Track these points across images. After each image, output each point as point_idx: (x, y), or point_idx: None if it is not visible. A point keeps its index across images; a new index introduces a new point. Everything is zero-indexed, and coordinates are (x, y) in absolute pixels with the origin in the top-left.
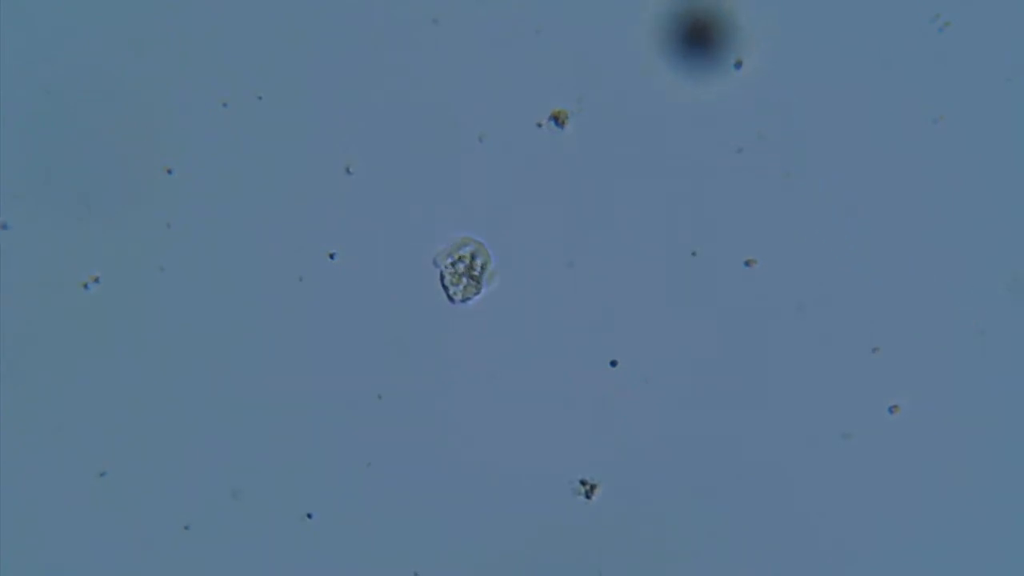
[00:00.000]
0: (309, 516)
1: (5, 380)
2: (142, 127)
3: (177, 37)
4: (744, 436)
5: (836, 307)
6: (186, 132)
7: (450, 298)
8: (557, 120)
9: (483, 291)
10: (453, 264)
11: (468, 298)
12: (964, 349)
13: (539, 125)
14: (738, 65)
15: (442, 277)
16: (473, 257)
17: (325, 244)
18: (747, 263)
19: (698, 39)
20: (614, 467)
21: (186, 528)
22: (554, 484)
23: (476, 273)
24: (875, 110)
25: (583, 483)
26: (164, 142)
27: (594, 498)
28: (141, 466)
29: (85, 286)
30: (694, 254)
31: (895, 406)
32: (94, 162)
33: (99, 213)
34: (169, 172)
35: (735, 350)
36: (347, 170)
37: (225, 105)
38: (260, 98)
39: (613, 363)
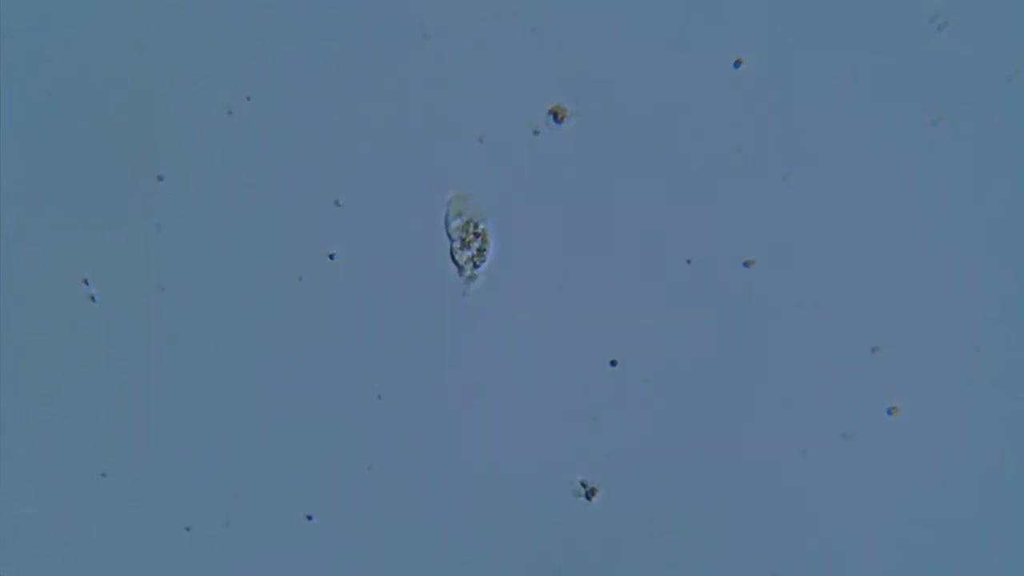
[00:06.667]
0: (309, 518)
1: (5, 380)
2: (141, 130)
3: (175, 42)
4: (744, 436)
5: (836, 307)
6: (184, 133)
7: (459, 269)
8: (556, 116)
9: (488, 255)
10: (461, 234)
11: (476, 266)
12: (963, 349)
13: (536, 132)
14: (738, 65)
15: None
16: (473, 224)
17: (325, 244)
18: (746, 263)
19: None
20: (614, 467)
21: (187, 529)
22: (554, 485)
23: (479, 233)
24: (875, 109)
25: (583, 484)
26: (161, 145)
27: (594, 500)
28: (142, 467)
29: (86, 282)
30: (689, 262)
31: (894, 407)
32: (91, 165)
33: (96, 215)
34: (160, 179)
35: (735, 350)
36: (336, 203)
37: (230, 112)
38: (248, 99)
39: (613, 363)
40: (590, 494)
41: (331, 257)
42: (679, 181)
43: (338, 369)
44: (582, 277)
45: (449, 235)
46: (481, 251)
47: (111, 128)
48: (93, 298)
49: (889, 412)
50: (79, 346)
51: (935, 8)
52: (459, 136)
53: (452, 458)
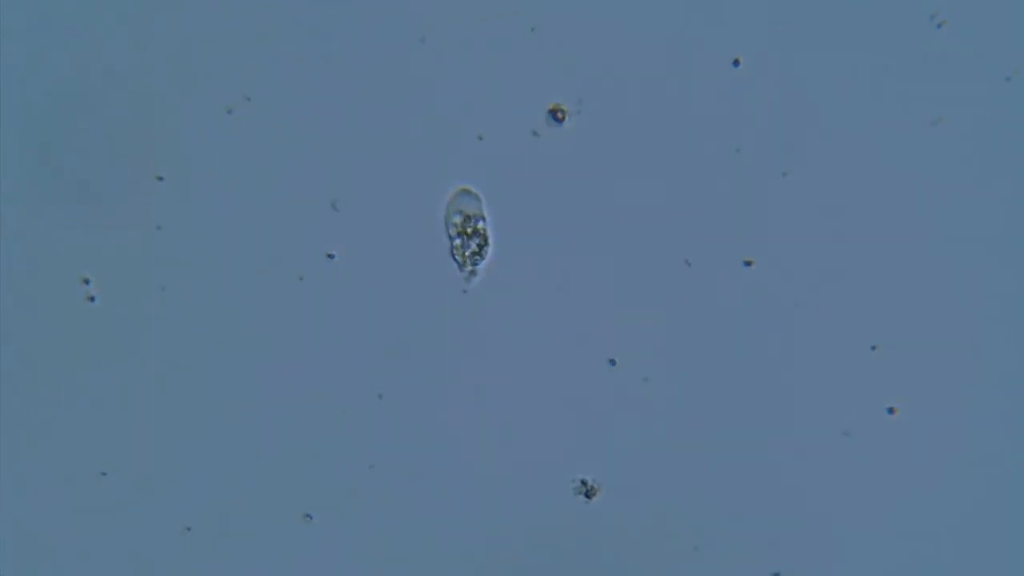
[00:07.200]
0: (309, 517)
1: (5, 380)
2: (141, 130)
3: (175, 42)
4: (744, 436)
5: (835, 306)
6: (184, 133)
7: (459, 266)
8: (555, 115)
9: (488, 252)
10: (460, 232)
11: (476, 263)
12: (963, 348)
13: (535, 133)
14: (736, 64)
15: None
16: (472, 221)
17: (325, 244)
18: (746, 263)
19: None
20: (614, 467)
21: (188, 529)
22: (554, 484)
23: (479, 231)
24: (874, 109)
25: (583, 483)
26: (161, 145)
27: (594, 500)
28: (142, 467)
29: (86, 282)
30: (688, 264)
31: (893, 408)
32: (91, 165)
33: (96, 215)
34: (160, 179)
35: (734, 349)
36: (333, 206)
37: (230, 112)
38: (248, 99)
39: (612, 363)
40: (590, 494)
41: (330, 257)
42: (679, 180)
43: (338, 369)
44: (582, 276)
45: (449, 232)
46: (481, 248)
47: (111, 128)
48: (93, 298)
49: (889, 411)
50: (79, 346)
51: (934, 7)
52: (459, 135)
53: (452, 458)
